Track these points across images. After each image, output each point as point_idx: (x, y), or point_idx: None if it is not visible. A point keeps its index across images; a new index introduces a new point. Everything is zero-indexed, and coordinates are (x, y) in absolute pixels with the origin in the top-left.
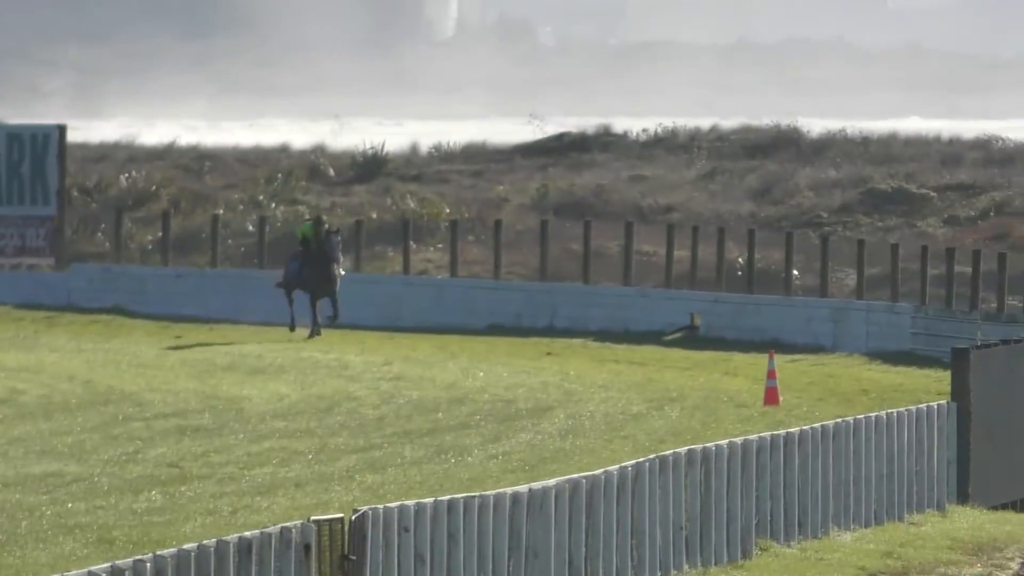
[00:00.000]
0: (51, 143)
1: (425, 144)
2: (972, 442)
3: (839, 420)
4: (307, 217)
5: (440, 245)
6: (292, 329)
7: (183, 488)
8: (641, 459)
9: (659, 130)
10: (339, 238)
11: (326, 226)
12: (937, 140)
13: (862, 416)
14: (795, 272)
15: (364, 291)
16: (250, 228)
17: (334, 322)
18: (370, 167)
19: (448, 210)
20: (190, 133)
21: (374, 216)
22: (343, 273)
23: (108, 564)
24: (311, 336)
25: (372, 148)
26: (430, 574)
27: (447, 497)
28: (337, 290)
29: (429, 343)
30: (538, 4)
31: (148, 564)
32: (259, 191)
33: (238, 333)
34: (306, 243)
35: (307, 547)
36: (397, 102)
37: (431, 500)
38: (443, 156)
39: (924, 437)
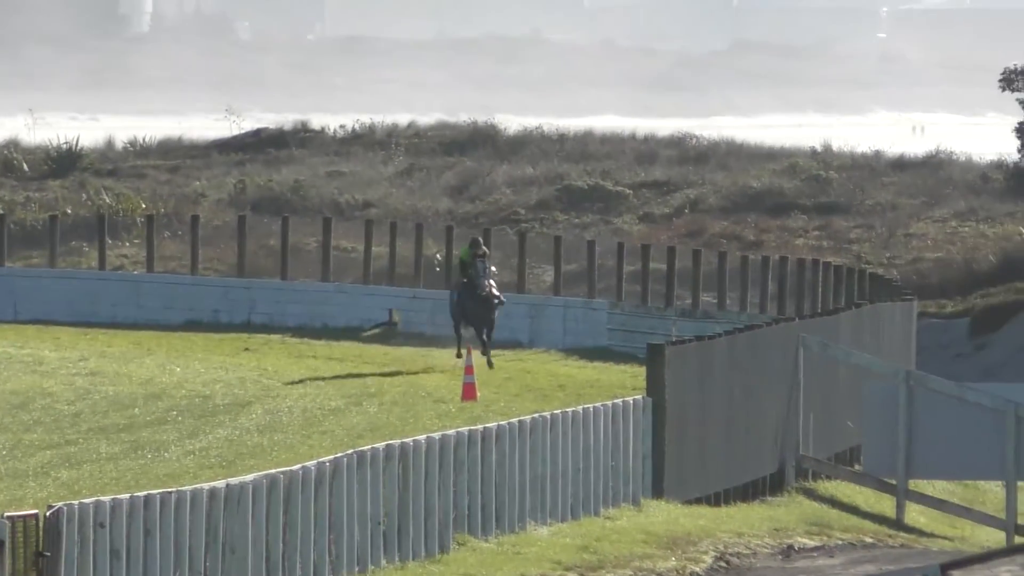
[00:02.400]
0: None
1: (120, 139)
2: (666, 437)
3: (535, 415)
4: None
5: (137, 240)
6: (458, 355)
7: None
8: (339, 454)
9: (357, 127)
10: (484, 263)
11: (480, 249)
12: (632, 138)
13: (558, 411)
14: (493, 268)
15: (58, 286)
16: None
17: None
18: (64, 162)
19: (144, 205)
20: None
21: (69, 211)
22: (503, 300)
23: None
24: (490, 367)
25: (66, 143)
26: (126, 570)
27: (143, 493)
28: (494, 319)
29: (125, 339)
30: None
31: None
32: None
33: None
34: (464, 268)
35: (0, 544)
36: (92, 97)
37: (127, 496)
38: (139, 151)
39: (620, 432)
